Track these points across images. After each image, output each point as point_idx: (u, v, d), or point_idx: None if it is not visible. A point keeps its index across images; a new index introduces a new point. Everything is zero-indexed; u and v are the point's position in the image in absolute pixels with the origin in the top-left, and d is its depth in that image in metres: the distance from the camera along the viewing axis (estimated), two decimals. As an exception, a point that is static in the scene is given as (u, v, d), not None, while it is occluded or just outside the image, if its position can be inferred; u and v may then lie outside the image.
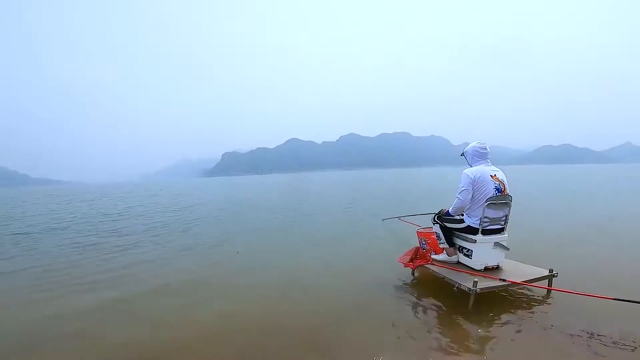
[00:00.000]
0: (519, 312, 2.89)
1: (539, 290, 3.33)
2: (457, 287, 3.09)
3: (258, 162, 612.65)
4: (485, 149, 3.40)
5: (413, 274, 3.93)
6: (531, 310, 2.91)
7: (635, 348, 2.28)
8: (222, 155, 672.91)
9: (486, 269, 3.32)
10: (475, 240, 3.27)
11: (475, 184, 3.25)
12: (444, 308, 3.04)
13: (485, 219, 3.23)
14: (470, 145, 3.50)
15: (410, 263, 3.89)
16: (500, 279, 3.05)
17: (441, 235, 3.58)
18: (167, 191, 30.84)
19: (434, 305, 3.12)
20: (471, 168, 3.37)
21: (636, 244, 5.19)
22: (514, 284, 3.03)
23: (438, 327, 2.70)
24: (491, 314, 2.84)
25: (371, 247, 5.55)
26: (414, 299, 3.27)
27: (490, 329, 2.63)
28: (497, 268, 3.38)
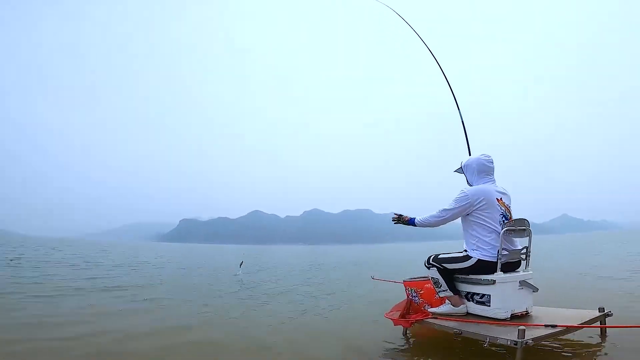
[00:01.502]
0: None
1: (586, 337, 2.69)
2: (489, 343, 2.27)
3: (218, 231, 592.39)
4: (492, 162, 2.83)
5: (405, 333, 3.25)
6: None
7: None
8: (180, 221, 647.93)
9: (513, 316, 2.59)
10: (494, 281, 2.56)
11: (474, 206, 2.70)
12: None
13: (504, 251, 2.62)
14: (473, 157, 2.90)
15: (403, 319, 3.11)
16: (547, 325, 2.28)
17: (441, 280, 2.84)
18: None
19: None
20: (474, 187, 2.79)
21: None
22: (570, 328, 2.37)
23: None
24: None
25: (347, 308, 5.19)
26: None
27: None
28: (526, 315, 2.66)
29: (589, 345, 2.61)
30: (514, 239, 2.76)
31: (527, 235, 2.76)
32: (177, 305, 5.56)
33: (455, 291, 2.87)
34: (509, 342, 2.17)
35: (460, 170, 3.02)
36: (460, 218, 2.85)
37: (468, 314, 2.83)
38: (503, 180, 3.00)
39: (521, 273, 2.74)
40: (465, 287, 2.85)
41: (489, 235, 2.67)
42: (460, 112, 3.52)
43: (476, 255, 2.72)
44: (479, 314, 2.72)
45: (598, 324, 2.62)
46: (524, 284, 2.67)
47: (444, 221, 2.84)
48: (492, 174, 2.87)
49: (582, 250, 19.27)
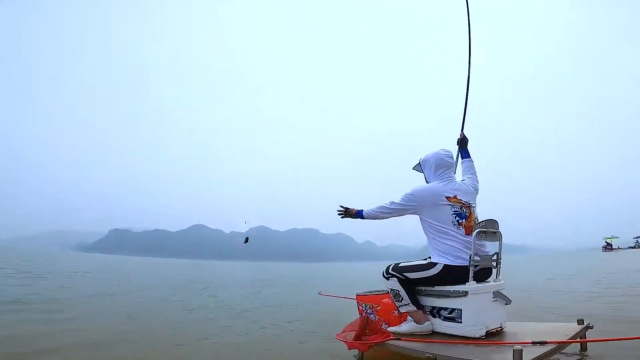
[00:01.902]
0: None
1: (569, 349, 2.32)
2: None
3: (155, 244, 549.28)
4: (452, 157, 2.56)
5: (362, 358, 2.55)
6: None
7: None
8: (109, 231, 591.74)
9: (488, 334, 2.14)
10: (466, 292, 2.10)
11: (423, 207, 2.39)
12: None
13: (476, 257, 2.19)
14: (432, 152, 2.55)
15: (359, 342, 2.47)
16: (534, 343, 1.90)
17: (402, 292, 2.33)
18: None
19: None
20: (422, 187, 2.47)
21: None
22: (562, 344, 2.00)
23: None
24: None
25: (292, 328, 4.36)
26: None
27: None
28: (501, 331, 2.25)
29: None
30: (485, 242, 2.34)
31: (498, 239, 2.34)
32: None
33: (419, 305, 2.36)
34: None
35: (418, 167, 2.64)
36: (420, 220, 2.49)
37: (434, 332, 2.34)
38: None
39: (493, 283, 2.30)
40: (431, 301, 2.33)
41: (447, 239, 2.28)
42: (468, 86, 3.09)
43: (442, 261, 2.25)
44: (449, 332, 2.24)
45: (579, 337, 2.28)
46: (498, 295, 2.21)
47: (391, 215, 2.50)
48: (451, 170, 2.52)
49: (514, 268, 19.38)
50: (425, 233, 2.47)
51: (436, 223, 2.36)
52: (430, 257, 2.41)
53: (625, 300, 5.15)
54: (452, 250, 2.27)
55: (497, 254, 2.36)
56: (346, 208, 2.67)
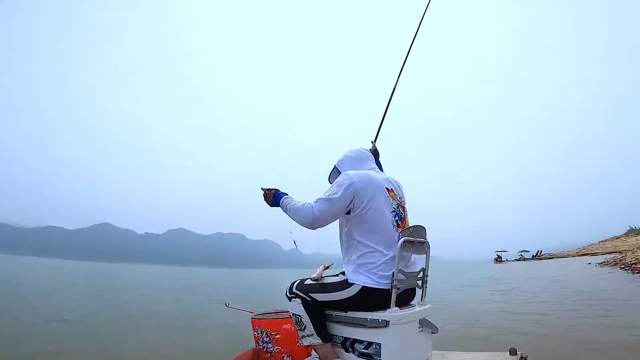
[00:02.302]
0: None
1: None
2: None
3: (48, 243, 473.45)
4: (368, 151, 2.02)
5: None
6: None
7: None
8: None
9: None
10: (387, 322, 1.56)
11: (360, 197, 1.67)
12: None
13: (400, 275, 1.62)
14: (344, 152, 1.99)
15: None
16: None
17: (305, 318, 1.76)
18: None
19: None
20: (356, 171, 1.80)
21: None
22: None
23: None
24: None
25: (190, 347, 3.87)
26: None
27: None
28: None
29: None
30: (411, 255, 1.77)
31: (425, 251, 1.79)
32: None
33: (327, 336, 1.76)
34: None
35: (336, 172, 1.95)
36: (341, 222, 1.83)
37: None
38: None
39: (419, 308, 1.74)
40: (343, 330, 1.74)
41: (378, 247, 1.66)
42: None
43: (359, 280, 1.65)
44: None
45: None
46: (424, 323, 1.70)
47: (325, 218, 1.69)
48: (374, 161, 1.98)
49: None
50: (346, 237, 1.76)
51: (371, 224, 1.66)
52: (343, 273, 1.76)
53: (537, 310, 5.47)
54: (376, 266, 1.62)
55: (423, 270, 1.78)
56: (267, 189, 1.89)
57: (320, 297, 1.71)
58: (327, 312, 1.77)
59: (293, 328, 1.91)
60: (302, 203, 1.74)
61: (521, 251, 49.07)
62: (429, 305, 1.78)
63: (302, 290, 1.76)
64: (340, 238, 1.82)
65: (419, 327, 1.66)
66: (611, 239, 43.72)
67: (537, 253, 44.97)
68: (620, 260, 15.19)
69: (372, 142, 2.33)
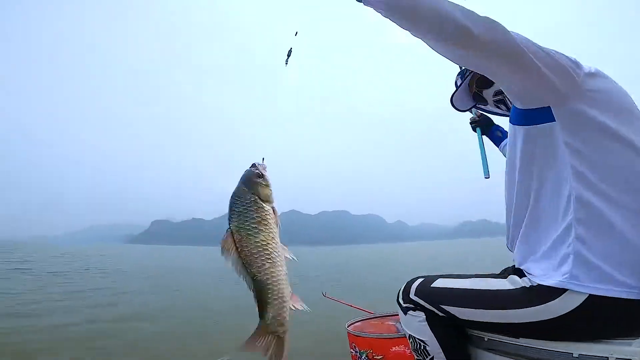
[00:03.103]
0: None
1: None
2: None
3: (192, 233, 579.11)
4: None
5: None
6: None
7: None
8: (152, 222, 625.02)
9: None
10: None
11: (604, 90, 0.81)
12: None
13: None
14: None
15: None
16: None
17: (433, 346, 0.95)
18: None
19: None
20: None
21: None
22: None
23: None
24: None
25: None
26: None
27: None
28: None
29: None
30: None
31: None
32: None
33: None
34: None
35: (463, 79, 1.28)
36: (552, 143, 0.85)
37: None
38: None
39: None
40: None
41: (631, 211, 0.76)
42: None
43: (585, 285, 0.75)
44: None
45: None
46: None
47: (504, 37, 0.77)
48: None
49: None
50: (551, 189, 0.85)
51: (617, 168, 0.77)
52: (515, 269, 0.95)
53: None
54: (627, 252, 0.76)
55: None
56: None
57: (467, 313, 0.92)
58: (473, 333, 0.99)
59: (408, 352, 1.28)
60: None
61: None
62: None
63: (429, 299, 0.97)
64: (520, 192, 0.91)
65: None
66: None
67: None
68: None
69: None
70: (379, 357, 1.49)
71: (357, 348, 1.63)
